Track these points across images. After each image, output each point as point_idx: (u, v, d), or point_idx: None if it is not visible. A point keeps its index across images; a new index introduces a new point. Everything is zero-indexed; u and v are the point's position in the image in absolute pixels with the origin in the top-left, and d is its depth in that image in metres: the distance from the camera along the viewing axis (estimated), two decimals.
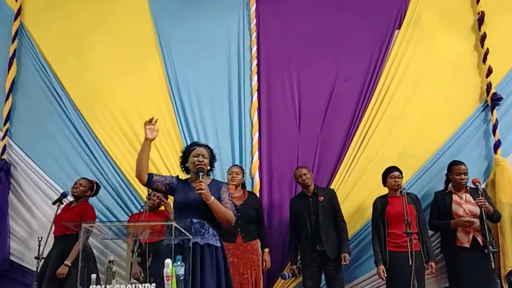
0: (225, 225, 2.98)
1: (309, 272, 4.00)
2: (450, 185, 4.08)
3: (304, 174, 4.12)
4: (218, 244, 2.97)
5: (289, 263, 4.17)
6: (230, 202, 3.04)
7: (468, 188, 3.99)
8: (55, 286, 3.81)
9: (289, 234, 4.24)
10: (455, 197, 3.98)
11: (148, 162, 3.03)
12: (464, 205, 3.91)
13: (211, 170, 3.22)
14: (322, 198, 4.06)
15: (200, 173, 2.92)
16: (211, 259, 2.88)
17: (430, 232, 4.13)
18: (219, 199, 2.98)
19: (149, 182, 3.02)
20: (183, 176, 3.22)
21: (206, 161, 3.07)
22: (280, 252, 4.39)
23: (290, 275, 4.07)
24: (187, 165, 3.15)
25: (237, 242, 3.87)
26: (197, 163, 3.02)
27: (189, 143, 4.56)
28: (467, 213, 3.85)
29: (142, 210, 4.16)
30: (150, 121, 3.02)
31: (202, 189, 2.82)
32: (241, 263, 3.84)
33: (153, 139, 3.02)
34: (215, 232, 2.98)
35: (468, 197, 3.93)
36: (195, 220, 2.91)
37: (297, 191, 4.48)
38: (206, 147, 3.19)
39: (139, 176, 3.02)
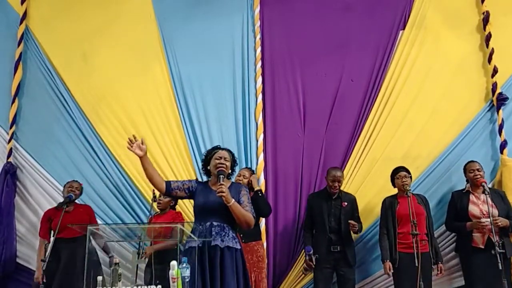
0: (244, 228, 3.01)
1: (321, 273, 3.97)
2: (467, 185, 4.06)
3: (340, 180, 4.03)
4: (238, 247, 3.01)
5: (295, 263, 4.18)
6: (249, 205, 3.06)
7: (483, 189, 3.90)
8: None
9: (304, 223, 4.21)
10: (472, 197, 3.95)
11: (156, 173, 3.03)
12: (481, 206, 3.87)
13: (231, 174, 3.23)
14: (346, 204, 4.02)
15: (221, 176, 2.95)
16: (232, 262, 2.91)
17: (439, 232, 4.13)
18: (238, 201, 3.00)
19: (168, 190, 3.06)
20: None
21: (228, 164, 3.09)
22: (286, 253, 4.40)
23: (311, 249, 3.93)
24: (208, 167, 3.17)
25: None
26: (218, 165, 3.04)
27: (194, 145, 4.61)
28: (484, 214, 3.81)
29: (150, 215, 4.19)
30: (131, 140, 2.95)
31: (223, 192, 2.85)
32: None
33: (145, 153, 2.95)
34: (235, 235, 3.01)
35: (486, 197, 3.85)
36: (215, 223, 2.94)
37: (303, 192, 4.49)
38: (228, 151, 3.21)
39: (157, 189, 3.07)
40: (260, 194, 4.03)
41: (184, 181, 3.17)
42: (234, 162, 3.21)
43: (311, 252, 3.88)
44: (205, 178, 3.30)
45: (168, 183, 3.07)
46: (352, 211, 4.06)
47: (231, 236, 2.97)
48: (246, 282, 3.01)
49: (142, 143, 2.94)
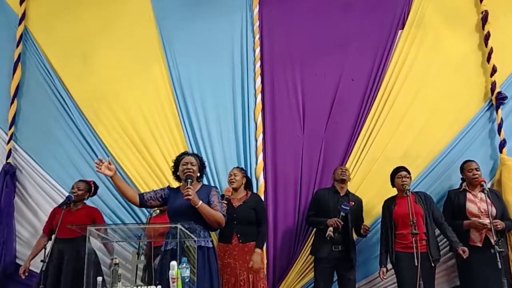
0: (215, 226, 3.16)
1: (322, 272, 3.97)
2: (464, 183, 4.07)
3: (346, 170, 4.19)
4: (210, 245, 3.14)
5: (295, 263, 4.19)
6: (220, 204, 3.20)
7: (483, 188, 3.90)
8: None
9: (308, 213, 4.21)
10: (469, 195, 3.95)
11: (128, 189, 3.21)
12: (479, 204, 3.87)
13: (201, 176, 3.37)
14: (353, 203, 4.01)
15: (189, 180, 3.10)
16: (203, 260, 3.04)
17: (438, 232, 4.14)
18: (208, 202, 3.14)
19: (142, 202, 3.23)
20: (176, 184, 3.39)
21: (195, 168, 3.24)
22: (286, 252, 4.40)
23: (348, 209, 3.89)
24: (178, 173, 3.32)
25: (233, 243, 3.83)
26: (185, 171, 3.19)
27: (193, 145, 4.62)
28: (482, 212, 3.82)
29: (150, 216, 4.20)
30: (98, 164, 3.07)
31: (189, 195, 2.97)
32: (237, 264, 3.78)
33: (114, 172, 3.09)
34: (207, 234, 3.15)
35: (483, 196, 3.87)
36: (186, 225, 2.99)
37: (302, 192, 4.49)
38: (195, 155, 3.38)
39: (131, 202, 3.24)
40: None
41: (156, 190, 3.34)
42: (202, 166, 3.36)
43: (348, 207, 3.87)
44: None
45: (141, 195, 3.23)
46: (357, 213, 4.07)
47: (203, 235, 3.10)
48: (218, 280, 3.15)
49: (110, 163, 3.09)
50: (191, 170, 3.19)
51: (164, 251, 3.09)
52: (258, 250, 3.88)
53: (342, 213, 3.85)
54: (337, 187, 4.16)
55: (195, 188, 3.16)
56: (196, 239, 2.94)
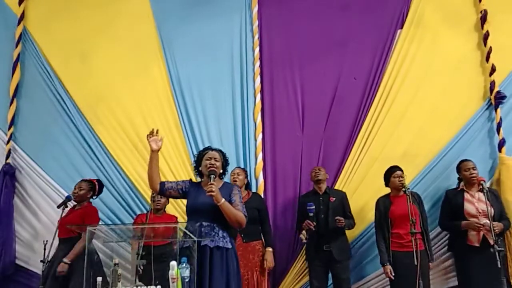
0: (236, 227, 3.05)
1: (315, 272, 4.00)
2: (461, 183, 4.07)
3: (319, 169, 4.17)
4: (229, 246, 3.02)
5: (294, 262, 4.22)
6: (241, 204, 3.09)
7: (482, 187, 3.91)
8: (58, 286, 3.81)
9: (296, 223, 4.25)
10: (466, 196, 3.95)
11: (157, 172, 3.10)
12: (477, 204, 3.87)
13: (224, 173, 3.27)
14: (334, 199, 4.05)
15: (212, 176, 3.00)
16: (221, 261, 2.93)
17: (436, 232, 4.14)
18: (230, 201, 3.03)
19: (162, 190, 3.13)
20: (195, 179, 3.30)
21: (218, 164, 3.14)
22: (285, 253, 4.39)
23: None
24: (200, 168, 3.22)
25: (237, 242, 3.81)
26: (209, 166, 3.10)
27: (193, 145, 4.62)
28: (480, 212, 3.82)
29: (147, 211, 4.19)
30: (152, 133, 3.08)
31: (212, 191, 2.88)
32: (241, 264, 3.77)
33: (159, 149, 3.08)
34: (226, 234, 3.04)
35: (481, 196, 3.86)
36: (204, 223, 2.98)
37: (301, 191, 4.49)
38: (219, 151, 3.26)
39: (151, 186, 3.12)
40: None
41: (178, 181, 3.24)
42: (225, 162, 3.26)
43: (313, 207, 3.89)
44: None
45: (162, 183, 3.13)
46: (343, 207, 4.08)
47: (221, 235, 3.00)
48: (238, 281, 3.04)
49: (160, 140, 3.09)
50: (215, 166, 3.10)
51: (180, 250, 2.97)
52: (270, 249, 3.99)
53: (310, 214, 3.89)
54: (315, 188, 4.18)
55: (217, 185, 3.02)
56: (196, 239, 2.91)
